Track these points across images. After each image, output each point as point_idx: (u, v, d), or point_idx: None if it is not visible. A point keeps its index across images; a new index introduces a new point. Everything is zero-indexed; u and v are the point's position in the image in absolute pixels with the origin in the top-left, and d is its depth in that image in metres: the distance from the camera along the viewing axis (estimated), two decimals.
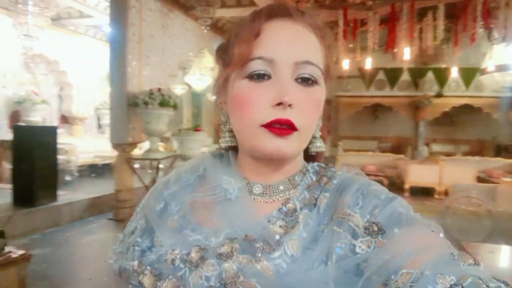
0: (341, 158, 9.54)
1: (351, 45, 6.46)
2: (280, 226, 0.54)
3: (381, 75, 11.48)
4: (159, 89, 5.19)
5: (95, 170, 8.34)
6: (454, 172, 7.56)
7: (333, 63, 0.63)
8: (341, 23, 5.75)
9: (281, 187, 0.59)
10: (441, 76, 10.80)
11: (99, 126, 9.91)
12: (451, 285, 0.37)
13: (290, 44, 0.54)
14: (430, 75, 11.13)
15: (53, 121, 8.58)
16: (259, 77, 0.53)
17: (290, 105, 0.52)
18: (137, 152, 6.05)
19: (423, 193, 7.85)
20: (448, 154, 10.65)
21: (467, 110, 11.53)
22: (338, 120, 12.54)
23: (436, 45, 6.24)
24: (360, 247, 0.47)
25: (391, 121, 13.05)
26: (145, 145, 6.24)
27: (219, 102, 0.62)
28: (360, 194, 0.54)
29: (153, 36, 5.70)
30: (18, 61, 7.31)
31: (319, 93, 0.56)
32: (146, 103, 5.06)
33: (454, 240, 3.06)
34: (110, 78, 5.52)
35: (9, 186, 5.16)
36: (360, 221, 0.50)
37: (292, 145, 0.53)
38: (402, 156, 9.94)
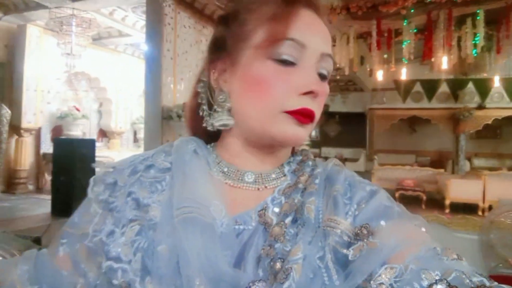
0: (377, 172, 9.25)
1: (385, 56, 6.33)
2: (275, 213, 0.52)
3: (417, 87, 11.11)
4: None
5: None
6: (499, 188, 7.11)
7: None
8: (374, 33, 5.65)
9: (273, 175, 0.57)
10: (483, 87, 10.29)
11: (135, 140, 10.24)
12: (435, 280, 0.38)
13: (320, 35, 0.54)
14: (470, 86, 10.63)
15: (93, 135, 8.96)
16: (284, 62, 0.51)
17: (316, 96, 0.52)
18: None
19: (465, 209, 7.42)
20: (492, 169, 10.04)
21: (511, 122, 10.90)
22: (373, 133, 12.23)
23: (477, 54, 5.97)
24: (352, 254, 0.46)
25: (429, 135, 12.58)
26: None
27: (215, 78, 0.57)
28: (347, 185, 0.55)
29: (187, 52, 5.85)
30: (62, 78, 7.74)
31: (328, 89, 0.57)
32: (179, 116, 5.17)
33: (499, 256, 2.85)
34: (145, 93, 5.71)
35: (49, 197, 5.39)
36: (348, 227, 0.48)
37: (306, 133, 0.54)
38: (442, 170, 9.49)
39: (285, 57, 0.51)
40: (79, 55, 6.47)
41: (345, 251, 0.46)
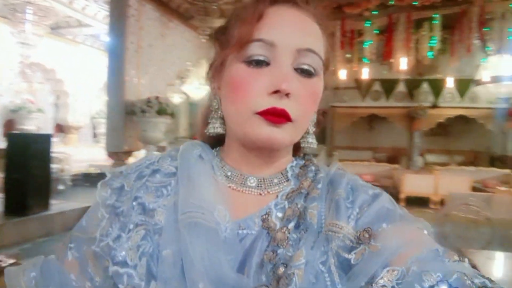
0: None
1: (348, 55, 6.54)
2: (279, 218, 0.53)
3: (377, 86, 11.55)
4: (156, 97, 5.18)
5: (89, 180, 8.25)
6: (449, 182, 7.58)
7: (332, 56, 0.61)
8: (338, 33, 5.80)
9: (276, 180, 0.58)
10: (436, 87, 10.89)
11: (95, 135, 9.85)
12: (437, 282, 0.37)
13: (293, 30, 0.51)
14: (425, 86, 11.21)
15: (48, 130, 8.52)
16: (258, 63, 0.51)
17: (287, 94, 0.49)
18: (131, 161, 5.99)
19: (418, 203, 7.85)
20: (442, 165, 10.66)
21: (461, 121, 11.62)
22: (333, 131, 12.57)
23: (433, 56, 6.31)
24: (354, 258, 0.46)
25: (386, 132, 13.12)
26: (140, 154, 6.19)
27: (213, 87, 0.59)
28: (350, 189, 0.55)
29: (152, 45, 5.70)
30: (15, 69, 7.28)
31: (318, 85, 0.54)
32: (143, 111, 5.04)
33: (453, 247, 3.06)
34: (107, 86, 5.51)
35: (0, 196, 5.08)
36: (350, 232, 0.49)
37: (285, 135, 0.51)
38: (397, 166, 9.96)
39: (255, 58, 0.50)
40: (34, 44, 6.11)
41: (347, 255, 0.47)
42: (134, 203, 0.54)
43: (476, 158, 11.96)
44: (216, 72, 0.58)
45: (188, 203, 0.50)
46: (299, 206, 0.53)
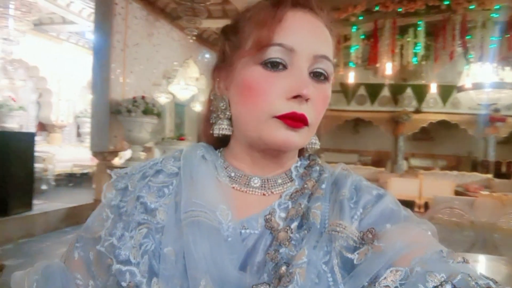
0: None
1: (334, 60, 6.61)
2: (282, 218, 0.53)
3: (362, 91, 11.70)
4: (143, 97, 5.14)
5: (73, 179, 8.12)
6: (433, 186, 7.69)
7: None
8: None
9: (280, 181, 0.58)
10: (420, 93, 11.10)
11: (79, 135, 9.69)
12: (441, 282, 0.37)
13: (311, 36, 0.52)
14: (409, 91, 11.42)
15: (30, 128, 8.35)
16: (274, 66, 0.51)
17: (307, 100, 0.50)
18: (117, 161, 5.92)
19: (403, 206, 7.93)
20: (426, 169, 10.84)
21: (444, 126, 11.84)
22: (319, 133, 12.65)
23: (417, 62, 6.44)
24: (357, 258, 0.46)
25: (371, 135, 13.29)
26: (125, 154, 6.12)
27: (219, 87, 0.59)
28: (354, 189, 0.55)
29: (138, 44, 5.67)
30: None
31: (329, 90, 0.55)
32: (129, 111, 4.99)
33: None
34: (92, 85, 5.44)
35: None
36: (354, 232, 0.48)
37: (300, 138, 0.52)
38: (383, 169, 10.08)
39: (273, 62, 0.50)
40: (17, 41, 5.99)
41: (350, 255, 0.46)
42: (137, 203, 0.54)
43: (459, 163, 12.22)
44: (224, 72, 0.58)
45: (191, 202, 0.51)
46: (302, 206, 0.53)
